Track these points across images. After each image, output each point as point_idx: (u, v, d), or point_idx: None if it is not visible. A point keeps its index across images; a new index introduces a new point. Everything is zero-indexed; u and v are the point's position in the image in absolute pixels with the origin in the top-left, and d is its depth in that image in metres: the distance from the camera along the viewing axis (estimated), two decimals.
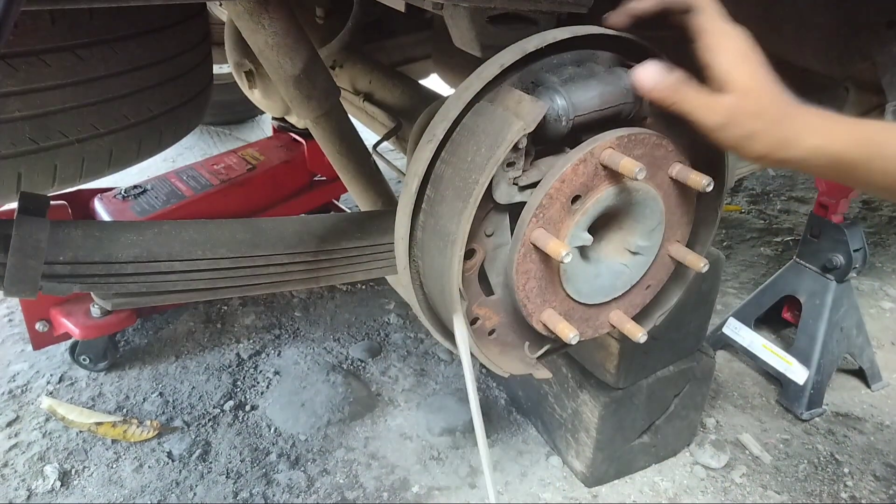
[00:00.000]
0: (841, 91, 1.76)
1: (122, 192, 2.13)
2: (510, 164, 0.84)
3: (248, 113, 3.97)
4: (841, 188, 1.92)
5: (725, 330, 2.17)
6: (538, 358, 1.06)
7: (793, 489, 1.70)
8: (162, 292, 1.01)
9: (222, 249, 1.03)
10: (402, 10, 1.25)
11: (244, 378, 1.97)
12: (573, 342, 0.90)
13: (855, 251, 1.92)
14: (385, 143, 1.50)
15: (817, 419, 1.94)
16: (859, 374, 2.09)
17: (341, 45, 1.65)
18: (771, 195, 3.36)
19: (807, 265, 2.02)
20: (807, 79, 1.84)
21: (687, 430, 1.77)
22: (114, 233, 0.99)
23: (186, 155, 3.67)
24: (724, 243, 2.90)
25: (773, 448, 1.83)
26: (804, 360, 1.95)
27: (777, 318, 2.20)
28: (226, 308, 2.27)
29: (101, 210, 2.07)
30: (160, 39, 1.36)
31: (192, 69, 1.50)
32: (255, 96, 1.95)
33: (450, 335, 0.98)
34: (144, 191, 2.15)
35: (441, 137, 0.84)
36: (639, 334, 0.98)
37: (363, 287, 2.41)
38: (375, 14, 1.87)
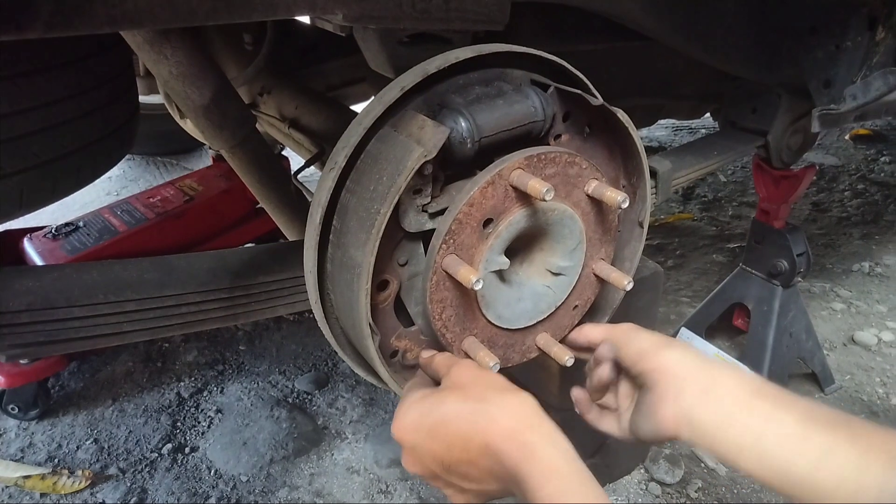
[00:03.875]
0: (774, 98, 1.77)
1: (53, 231, 2.04)
2: (417, 191, 0.81)
3: (194, 142, 3.87)
4: (780, 194, 1.92)
5: None
6: None
7: (749, 500, 1.68)
8: (61, 340, 0.94)
9: (127, 291, 0.97)
10: (342, 34, 1.20)
11: (184, 418, 1.89)
12: (494, 371, 0.87)
13: (798, 255, 1.92)
14: (313, 170, 1.46)
15: None
16: (812, 378, 2.08)
17: (257, 71, 1.60)
18: (723, 201, 3.38)
19: (753, 271, 2.02)
20: (742, 86, 1.85)
21: (640, 447, 1.74)
22: (6, 280, 0.93)
23: (132, 187, 3.57)
24: (678, 252, 2.90)
25: None
26: (755, 367, 1.94)
27: (729, 325, 2.20)
28: (167, 345, 2.19)
29: (31, 250, 1.98)
30: (72, 72, 1.30)
31: (111, 101, 1.44)
32: (187, 126, 1.90)
33: (372, 371, 0.94)
34: (76, 228, 2.07)
35: (343, 165, 0.80)
36: (565, 357, 0.95)
37: (310, 316, 2.35)
38: (302, 39, 1.84)
